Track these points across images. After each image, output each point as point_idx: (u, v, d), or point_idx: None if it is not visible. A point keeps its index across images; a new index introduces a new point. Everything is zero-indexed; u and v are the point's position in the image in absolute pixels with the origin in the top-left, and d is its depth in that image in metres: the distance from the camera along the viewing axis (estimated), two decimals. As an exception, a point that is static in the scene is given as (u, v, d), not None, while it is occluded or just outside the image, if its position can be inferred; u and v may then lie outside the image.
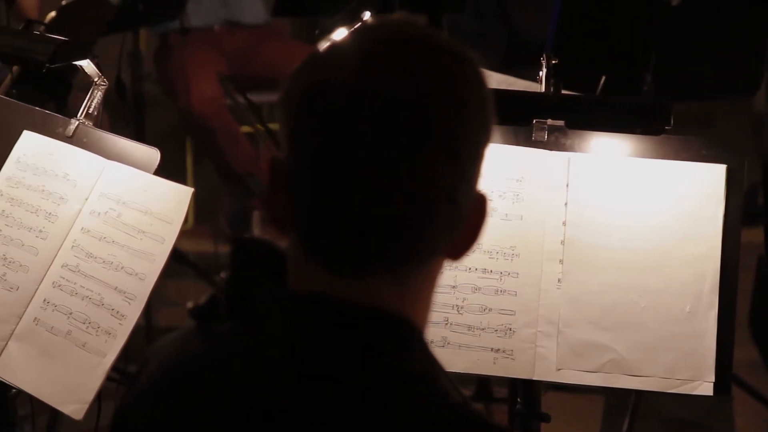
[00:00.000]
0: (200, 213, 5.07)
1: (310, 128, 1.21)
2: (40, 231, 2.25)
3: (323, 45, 1.26)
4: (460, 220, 1.24)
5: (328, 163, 1.19)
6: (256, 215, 4.96)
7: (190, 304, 1.33)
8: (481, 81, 1.25)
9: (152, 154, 2.27)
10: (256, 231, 4.94)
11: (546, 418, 2.22)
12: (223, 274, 1.32)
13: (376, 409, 1.19)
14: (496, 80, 2.81)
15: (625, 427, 3.48)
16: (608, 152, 2.20)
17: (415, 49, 1.22)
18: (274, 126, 4.68)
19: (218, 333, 1.30)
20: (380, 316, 1.22)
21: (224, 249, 4.76)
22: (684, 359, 2.07)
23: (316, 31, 4.95)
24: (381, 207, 1.19)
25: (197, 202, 4.60)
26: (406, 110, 1.18)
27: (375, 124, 1.18)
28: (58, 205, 2.27)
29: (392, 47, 1.22)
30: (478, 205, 1.26)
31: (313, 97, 1.21)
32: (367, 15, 4.20)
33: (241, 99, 3.51)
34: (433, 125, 1.19)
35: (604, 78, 2.70)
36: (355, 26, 1.26)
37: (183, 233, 2.19)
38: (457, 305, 2.11)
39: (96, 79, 2.38)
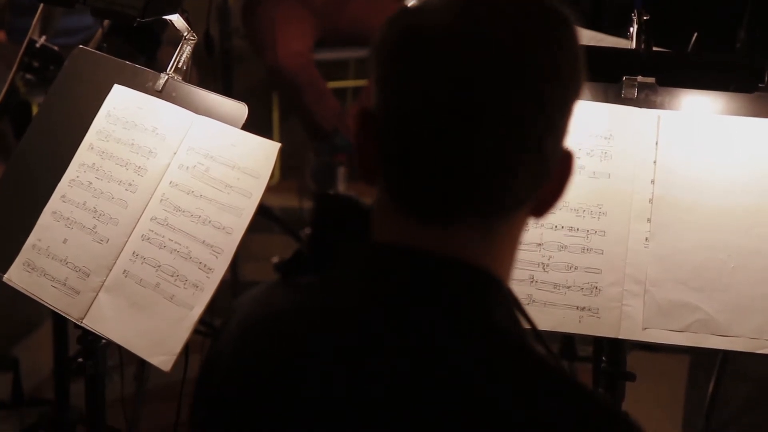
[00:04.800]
0: (286, 168, 5.09)
1: (401, 73, 1.21)
2: (130, 184, 2.28)
3: None
4: (546, 172, 1.24)
5: (419, 107, 1.20)
6: (341, 171, 4.98)
7: (275, 259, 1.35)
8: (573, 34, 1.25)
9: (240, 109, 2.28)
10: (341, 186, 4.95)
11: (631, 377, 2.21)
12: (307, 230, 1.33)
13: (458, 362, 1.19)
14: (585, 36, 2.78)
15: (710, 387, 3.46)
16: (699, 110, 2.17)
17: None
18: (362, 83, 4.67)
19: (303, 286, 1.31)
20: (466, 268, 1.23)
21: (309, 204, 4.79)
22: (773, 320, 2.05)
23: (405, -13, 4.95)
24: (470, 152, 1.19)
25: (283, 157, 4.62)
26: (499, 55, 1.18)
27: (466, 68, 1.18)
28: (147, 158, 2.29)
29: None
30: (565, 160, 1.26)
31: (406, 42, 1.22)
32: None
33: None
34: (524, 72, 1.19)
35: (696, 35, 2.66)
36: None
37: (269, 188, 2.20)
38: (542, 263, 2.10)
39: (185, 34, 2.40)
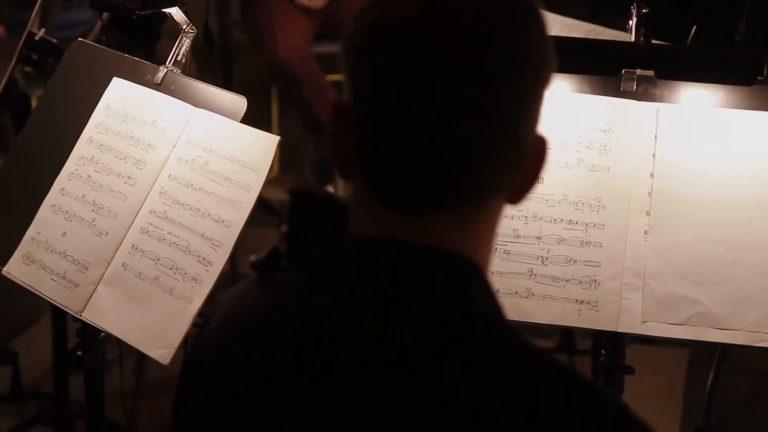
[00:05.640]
0: (285, 161, 5.09)
1: (374, 66, 1.22)
2: (129, 177, 2.28)
3: None
4: (521, 159, 1.24)
5: (393, 100, 1.20)
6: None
7: (252, 257, 1.35)
8: (539, 20, 1.25)
9: (239, 102, 2.28)
10: (340, 180, 4.95)
11: (630, 371, 2.21)
12: (284, 227, 1.33)
13: (442, 348, 1.19)
14: (584, 30, 2.78)
15: (710, 380, 3.46)
16: (698, 103, 2.17)
17: None
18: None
19: (281, 283, 1.31)
20: (450, 257, 1.23)
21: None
22: (772, 314, 2.05)
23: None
24: (446, 142, 1.19)
25: (282, 150, 4.61)
26: (469, 43, 1.19)
27: (437, 59, 1.18)
28: (147, 151, 2.29)
29: None
30: (539, 146, 1.26)
31: (376, 34, 1.22)
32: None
33: None
34: (496, 59, 1.19)
35: (695, 27, 2.66)
36: None
37: (268, 181, 2.20)
38: (541, 256, 2.11)
39: (184, 27, 2.39)
